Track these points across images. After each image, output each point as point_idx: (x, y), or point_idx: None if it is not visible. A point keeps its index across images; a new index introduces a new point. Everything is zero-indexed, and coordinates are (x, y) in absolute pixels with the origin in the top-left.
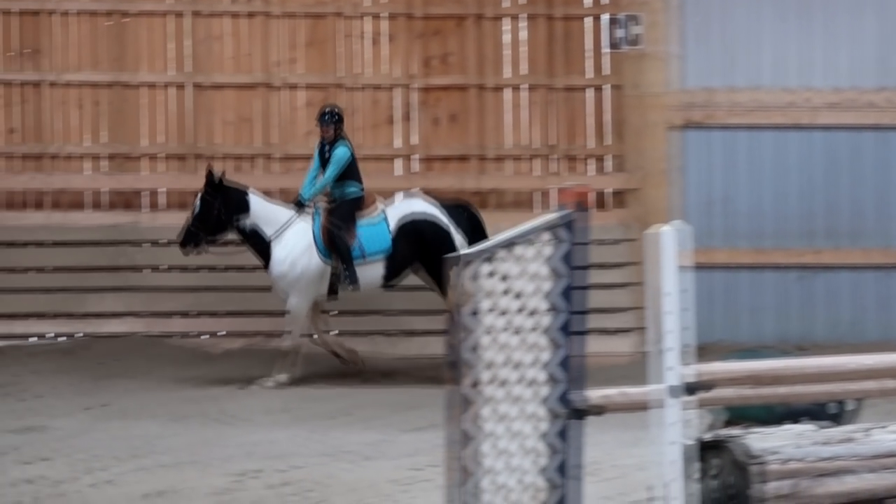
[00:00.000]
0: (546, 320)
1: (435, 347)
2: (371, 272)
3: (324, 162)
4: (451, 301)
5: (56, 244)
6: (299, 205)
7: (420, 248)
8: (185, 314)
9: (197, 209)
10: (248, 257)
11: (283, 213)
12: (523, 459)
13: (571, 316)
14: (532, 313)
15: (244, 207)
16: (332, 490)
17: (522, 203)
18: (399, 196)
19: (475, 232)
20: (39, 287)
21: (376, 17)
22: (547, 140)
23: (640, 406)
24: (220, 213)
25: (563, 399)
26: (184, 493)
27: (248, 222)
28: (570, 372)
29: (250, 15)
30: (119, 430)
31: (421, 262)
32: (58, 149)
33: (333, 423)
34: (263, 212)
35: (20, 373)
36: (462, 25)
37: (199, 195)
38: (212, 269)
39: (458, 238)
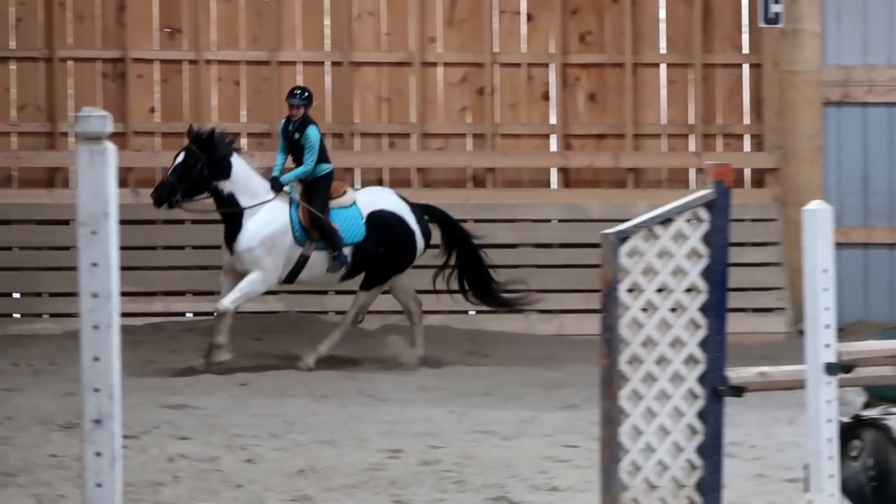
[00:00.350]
0: (689, 299)
1: (579, 326)
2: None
3: (290, 142)
4: (604, 278)
5: (194, 222)
6: (276, 186)
7: (382, 243)
8: (324, 292)
9: (178, 164)
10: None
11: (262, 187)
12: (676, 437)
13: (714, 295)
14: (676, 292)
15: (226, 171)
16: (477, 468)
17: (663, 182)
18: (369, 189)
19: (452, 238)
20: (179, 265)
21: None
22: (688, 118)
23: (782, 386)
24: (201, 171)
25: (707, 378)
26: (326, 471)
27: (226, 187)
28: (713, 351)
29: None
30: (260, 409)
31: (377, 256)
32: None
33: (486, 402)
34: (244, 180)
35: (163, 353)
36: (600, 2)
37: (183, 150)
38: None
39: (418, 240)
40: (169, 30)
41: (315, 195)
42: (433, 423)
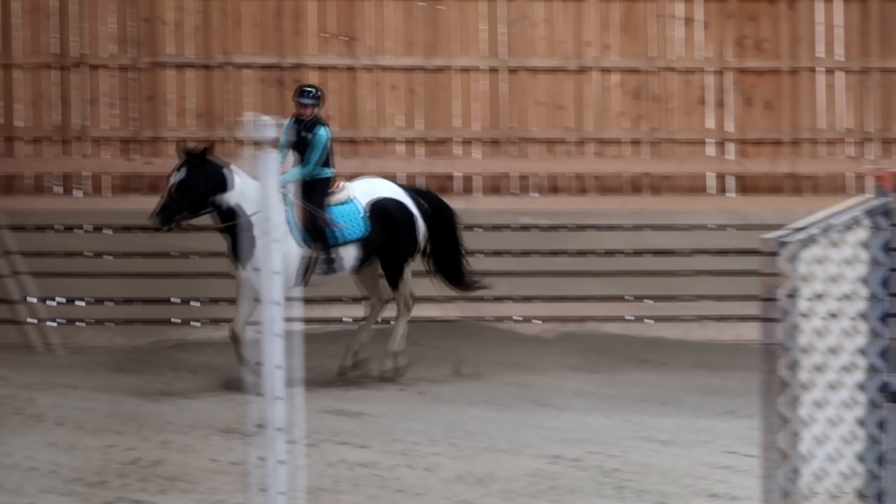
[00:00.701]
0: (863, 306)
1: (739, 333)
2: (348, 256)
3: (298, 141)
4: (765, 285)
5: None
6: None
7: (388, 231)
8: (500, 299)
9: (178, 181)
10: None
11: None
12: (841, 445)
13: (877, 301)
14: (848, 299)
15: (226, 183)
16: (635, 474)
17: (837, 188)
18: (360, 180)
19: (438, 220)
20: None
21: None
22: (862, 124)
23: None
24: (201, 186)
25: (883, 387)
26: (499, 477)
27: (229, 199)
28: (890, 360)
29: None
30: (435, 415)
31: (385, 246)
32: (372, 133)
33: (645, 408)
34: (249, 190)
35: (335, 360)
36: (775, 8)
37: (180, 167)
38: (526, 253)
39: (420, 224)
40: (332, 36)
41: (312, 196)
42: (592, 428)
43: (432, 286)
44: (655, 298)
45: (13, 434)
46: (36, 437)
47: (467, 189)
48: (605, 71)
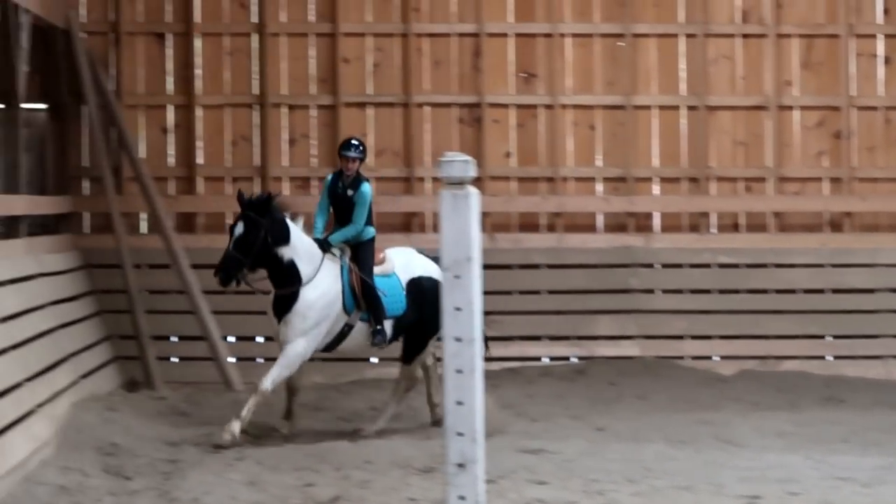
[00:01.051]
0: None
1: None
2: (388, 330)
3: (338, 200)
4: None
5: (550, 266)
6: (324, 248)
7: (420, 310)
8: (679, 337)
9: (239, 234)
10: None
11: (316, 249)
12: None
13: None
14: None
15: (287, 236)
16: None
17: None
18: (396, 251)
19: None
20: (536, 310)
21: (891, 36)
22: None
23: None
24: (265, 239)
25: None
26: None
27: (286, 254)
28: None
29: (748, 36)
30: (616, 454)
31: (414, 324)
32: (553, 172)
33: (832, 448)
34: (302, 245)
35: (518, 397)
36: None
37: (242, 216)
38: (706, 291)
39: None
40: (525, 74)
41: (363, 261)
42: (791, 469)
43: (614, 325)
44: (841, 336)
45: (199, 471)
46: (232, 475)
47: (648, 228)
48: (788, 108)
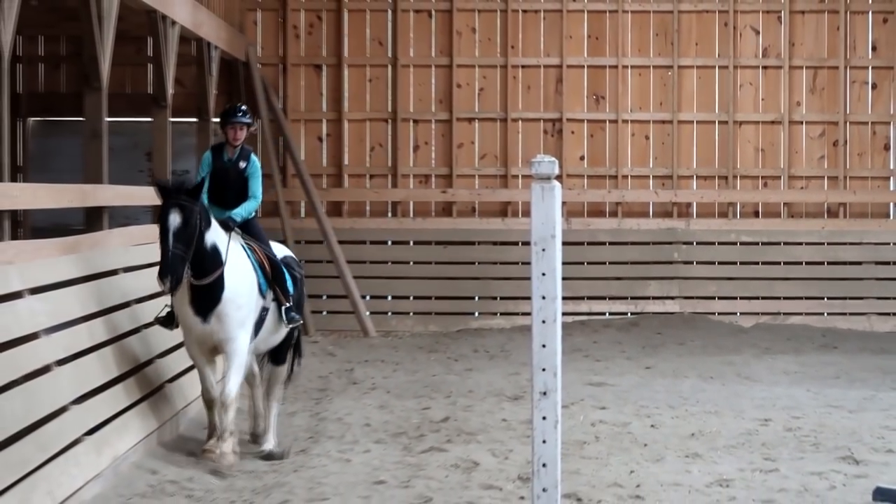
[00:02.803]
0: None
1: None
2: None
3: (223, 174)
4: None
5: (611, 243)
6: (227, 225)
7: (297, 289)
8: (710, 298)
9: (178, 224)
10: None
11: (222, 230)
12: None
13: None
14: None
15: (209, 218)
16: (829, 434)
17: None
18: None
19: None
20: (600, 276)
21: (877, 67)
22: None
23: None
24: (201, 225)
25: None
26: (714, 434)
27: (209, 238)
28: None
29: (767, 67)
30: (661, 387)
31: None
32: (615, 171)
33: (828, 382)
34: (216, 226)
35: (585, 343)
36: None
37: (174, 205)
38: (732, 263)
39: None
40: (595, 97)
41: (260, 236)
42: (794, 399)
43: (660, 288)
44: (834, 298)
45: (343, 397)
46: (361, 399)
47: (689, 214)
48: (798, 123)
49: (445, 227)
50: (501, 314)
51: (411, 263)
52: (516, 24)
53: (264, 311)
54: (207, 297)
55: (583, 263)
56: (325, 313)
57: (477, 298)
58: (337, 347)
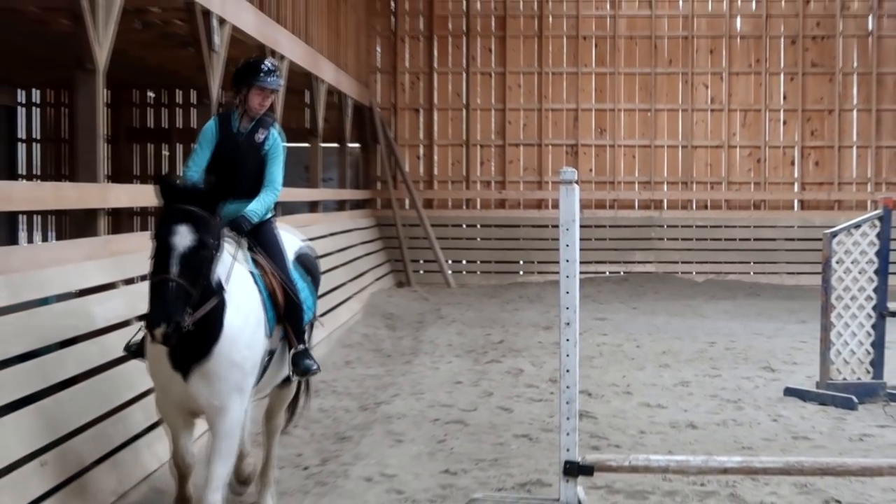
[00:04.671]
0: (867, 267)
1: (801, 280)
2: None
3: (231, 150)
4: (823, 255)
5: (610, 226)
6: (238, 228)
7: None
8: (676, 262)
9: (189, 246)
10: None
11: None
12: (861, 336)
13: (880, 265)
14: (868, 261)
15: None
16: (754, 352)
17: (860, 208)
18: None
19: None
20: (603, 248)
21: (788, 110)
22: (873, 173)
23: None
24: (215, 250)
25: (877, 308)
26: (677, 352)
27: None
28: (880, 294)
29: (713, 110)
30: (643, 321)
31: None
32: (612, 178)
33: (754, 318)
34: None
35: (592, 292)
36: (830, 115)
37: (181, 216)
38: (690, 239)
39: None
40: (600, 129)
41: (272, 249)
42: (731, 329)
43: (643, 255)
44: (759, 262)
45: (431, 327)
46: (443, 328)
47: (661, 206)
48: (742, 147)
49: (501, 215)
50: (538, 273)
51: (478, 239)
52: (547, 82)
53: (268, 356)
54: (191, 345)
55: (591, 240)
56: (421, 272)
57: (521, 262)
58: (429, 294)
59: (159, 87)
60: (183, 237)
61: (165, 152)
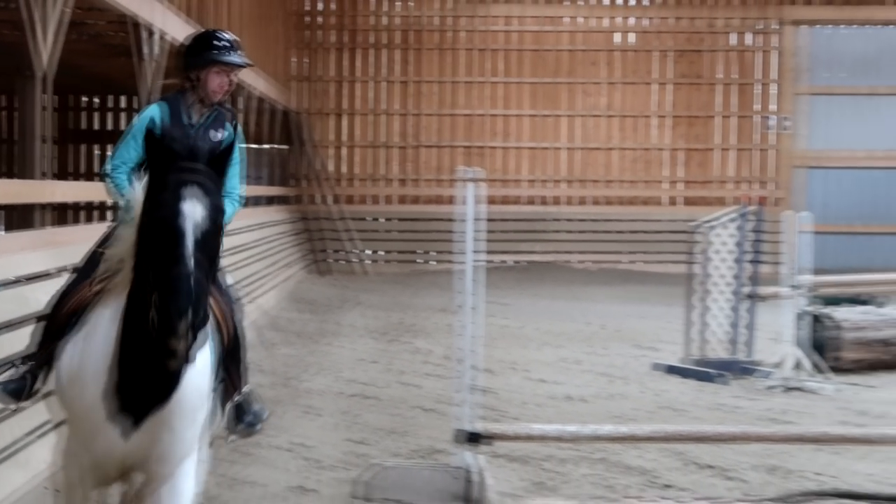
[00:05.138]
0: (735, 253)
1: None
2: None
3: (182, 147)
4: (690, 245)
5: (512, 220)
6: None
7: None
8: (570, 252)
9: (198, 222)
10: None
11: None
12: (722, 318)
13: (742, 253)
14: (728, 250)
15: None
16: (633, 331)
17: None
18: None
19: None
20: (504, 240)
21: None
22: (734, 173)
23: (773, 295)
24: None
25: (740, 291)
26: (567, 333)
27: None
28: (743, 280)
29: (595, 116)
30: (540, 305)
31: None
32: (515, 178)
33: (633, 302)
34: None
35: (496, 280)
36: (705, 121)
37: (191, 186)
38: (582, 231)
39: None
40: (503, 133)
41: (213, 269)
42: (612, 310)
43: (542, 247)
44: (632, 252)
45: (348, 312)
46: (360, 313)
47: (560, 203)
48: (621, 149)
49: (411, 209)
50: (443, 262)
51: (392, 232)
52: (455, 90)
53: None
54: (154, 383)
55: (495, 232)
56: (340, 262)
57: (431, 252)
58: (348, 282)
59: (103, 93)
60: (194, 210)
61: (109, 153)
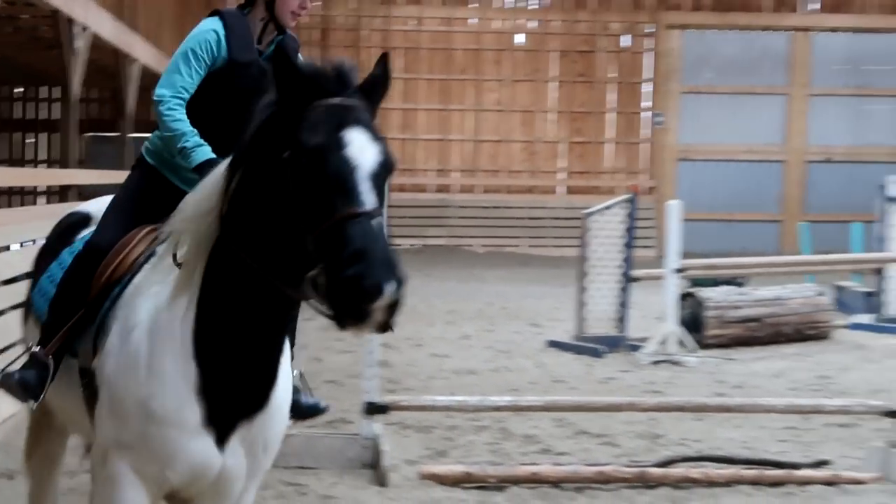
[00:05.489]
0: (619, 239)
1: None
2: None
3: (242, 79)
4: (582, 231)
5: (410, 206)
6: None
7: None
8: (468, 236)
9: (379, 164)
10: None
11: None
12: (609, 298)
13: (627, 239)
14: (616, 235)
15: None
16: (528, 310)
17: (615, 193)
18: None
19: None
20: (402, 225)
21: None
22: (621, 165)
23: (657, 277)
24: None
25: (625, 274)
26: (462, 311)
27: None
28: (627, 263)
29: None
30: (436, 286)
31: None
32: (442, 167)
33: (525, 283)
34: None
35: (411, 260)
36: (597, 116)
37: (356, 123)
38: (480, 217)
39: None
40: (404, 125)
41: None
42: (506, 292)
43: (442, 232)
44: (528, 237)
45: None
46: None
47: (456, 191)
48: (516, 141)
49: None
50: None
51: None
52: None
53: None
54: (250, 390)
55: (394, 217)
56: None
57: None
58: None
59: (28, 84)
60: (374, 149)
61: (30, 140)
